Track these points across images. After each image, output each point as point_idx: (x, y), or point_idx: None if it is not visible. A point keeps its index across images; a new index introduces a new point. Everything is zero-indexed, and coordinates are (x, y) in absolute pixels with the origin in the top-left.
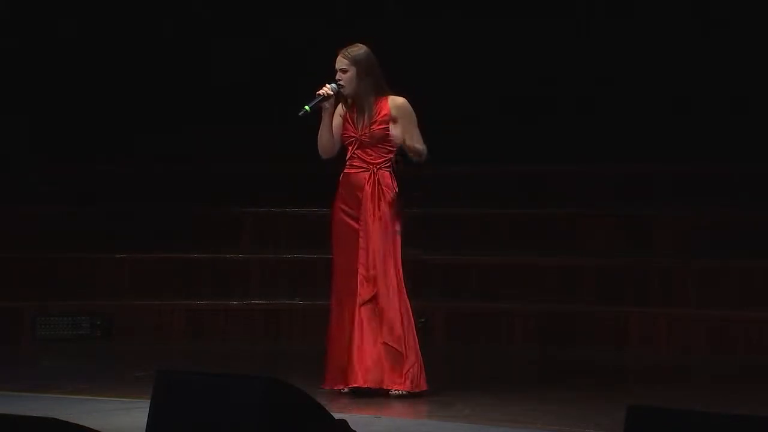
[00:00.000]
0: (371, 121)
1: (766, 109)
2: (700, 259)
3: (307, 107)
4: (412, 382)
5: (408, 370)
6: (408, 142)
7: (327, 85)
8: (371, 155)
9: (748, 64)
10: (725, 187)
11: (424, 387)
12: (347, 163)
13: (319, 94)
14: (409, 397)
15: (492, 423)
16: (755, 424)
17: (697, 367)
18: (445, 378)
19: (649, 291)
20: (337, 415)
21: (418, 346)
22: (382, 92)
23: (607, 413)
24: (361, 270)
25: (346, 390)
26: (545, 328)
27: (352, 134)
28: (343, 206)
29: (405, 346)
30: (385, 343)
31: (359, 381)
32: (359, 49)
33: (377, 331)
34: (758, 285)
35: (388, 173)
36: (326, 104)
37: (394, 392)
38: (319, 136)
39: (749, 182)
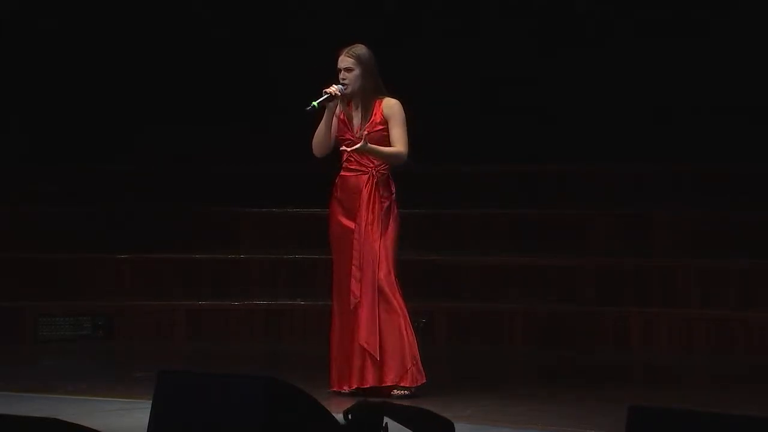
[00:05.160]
0: (366, 124)
1: (765, 109)
2: (700, 259)
3: (315, 103)
4: (411, 378)
5: (410, 368)
6: (385, 154)
7: (334, 85)
8: (369, 158)
9: (747, 65)
10: (725, 187)
11: (422, 380)
12: (343, 165)
13: (327, 92)
14: (411, 397)
15: (492, 423)
16: (755, 424)
17: (697, 367)
18: (446, 378)
19: (649, 291)
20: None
21: (415, 343)
22: (380, 94)
23: (607, 413)
24: (355, 271)
25: (347, 391)
26: (545, 328)
27: (349, 137)
28: (339, 208)
29: (391, 347)
30: (361, 346)
31: (356, 382)
32: (362, 49)
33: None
34: (758, 285)
35: (387, 176)
36: (331, 104)
37: (396, 392)
38: (315, 134)
39: (749, 182)
